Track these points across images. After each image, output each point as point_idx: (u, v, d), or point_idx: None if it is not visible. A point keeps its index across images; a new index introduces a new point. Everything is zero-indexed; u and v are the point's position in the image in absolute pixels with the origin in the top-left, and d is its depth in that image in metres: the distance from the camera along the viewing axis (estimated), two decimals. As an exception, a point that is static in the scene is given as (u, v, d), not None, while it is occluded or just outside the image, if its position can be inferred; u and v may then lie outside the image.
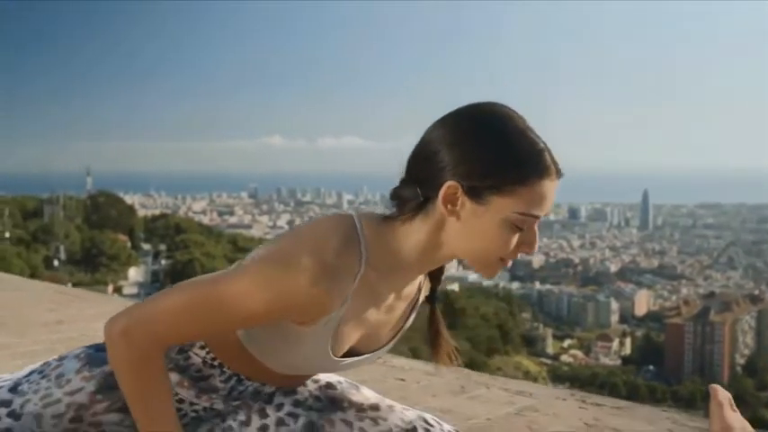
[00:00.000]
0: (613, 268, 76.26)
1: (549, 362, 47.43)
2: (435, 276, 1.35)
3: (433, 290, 1.36)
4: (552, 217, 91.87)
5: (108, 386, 1.33)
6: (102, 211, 53.77)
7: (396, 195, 1.24)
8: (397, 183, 1.23)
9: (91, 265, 47.70)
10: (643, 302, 67.50)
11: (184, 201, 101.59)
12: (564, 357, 52.65)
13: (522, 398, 2.32)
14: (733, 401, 1.28)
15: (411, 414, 1.41)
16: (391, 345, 1.38)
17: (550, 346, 54.52)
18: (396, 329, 1.37)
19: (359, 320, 1.28)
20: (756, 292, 65.43)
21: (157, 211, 71.42)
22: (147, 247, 54.66)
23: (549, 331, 56.86)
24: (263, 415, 1.40)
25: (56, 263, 46.03)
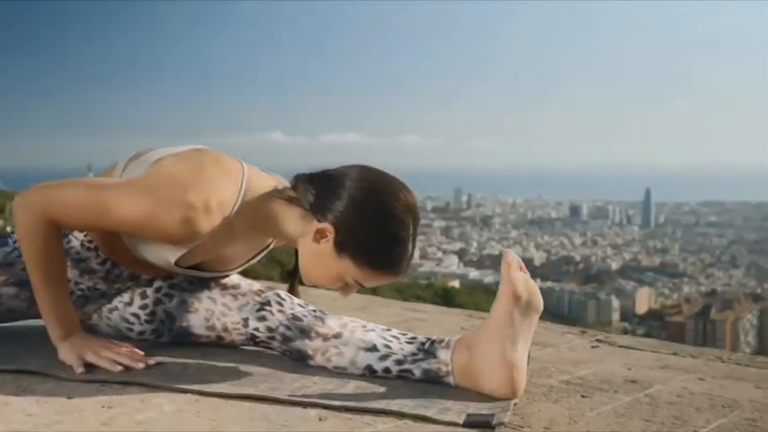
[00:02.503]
0: (615, 266, 76.08)
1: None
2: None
3: (295, 268, 1.62)
4: (554, 214, 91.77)
5: (7, 263, 1.62)
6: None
7: (296, 182, 1.51)
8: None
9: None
10: (644, 300, 67.35)
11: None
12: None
13: (413, 313, 2.43)
14: (522, 264, 1.44)
15: (266, 289, 1.67)
16: (235, 272, 1.71)
17: (551, 344, 54.32)
18: (244, 262, 1.70)
19: (211, 249, 1.57)
20: (759, 290, 65.19)
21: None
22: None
23: (550, 329, 56.68)
24: (144, 296, 1.69)
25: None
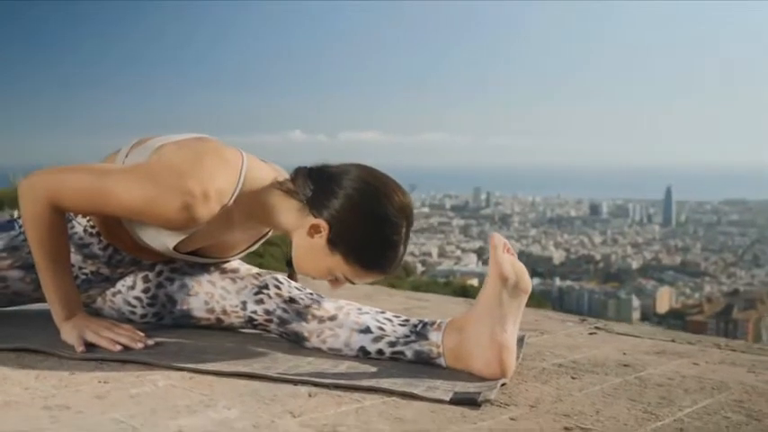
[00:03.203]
0: (635, 265, 75.48)
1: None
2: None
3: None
4: (573, 213, 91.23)
5: (12, 246, 1.67)
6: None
7: (296, 175, 1.55)
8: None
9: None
10: (665, 299, 66.75)
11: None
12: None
13: (417, 302, 2.45)
14: (509, 245, 1.48)
15: (264, 273, 1.70)
16: (234, 259, 1.75)
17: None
18: (242, 249, 1.75)
19: (209, 236, 1.61)
20: (781, 290, 64.36)
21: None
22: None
23: (570, 328, 56.32)
24: (146, 280, 1.73)
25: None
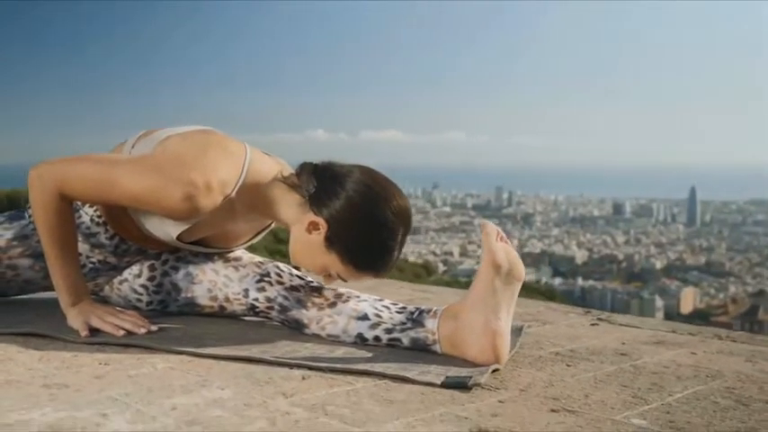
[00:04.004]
0: (659, 265, 74.76)
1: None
2: None
3: None
4: (596, 212, 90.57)
5: (22, 236, 1.73)
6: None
7: (301, 171, 1.59)
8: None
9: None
10: (689, 300, 66.04)
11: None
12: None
13: (422, 293, 2.49)
14: (502, 233, 1.50)
15: (266, 262, 1.75)
16: (237, 250, 1.79)
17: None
18: (245, 240, 1.80)
19: (212, 226, 1.65)
20: (808, 290, 63.44)
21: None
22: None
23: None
24: (152, 269, 1.77)
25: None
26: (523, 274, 1.48)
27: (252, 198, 1.61)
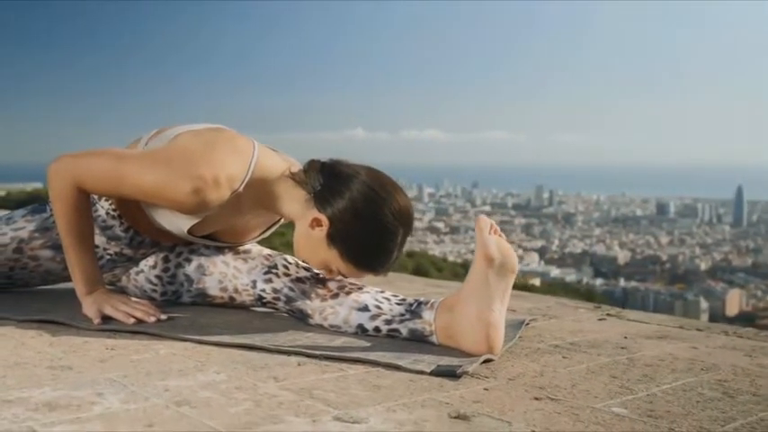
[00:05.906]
0: (703, 266, 73.38)
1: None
2: None
3: None
4: (639, 212, 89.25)
5: (44, 228, 1.81)
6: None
7: (309, 168, 1.65)
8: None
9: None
10: (735, 302, 64.65)
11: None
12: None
13: (434, 288, 2.52)
14: (496, 226, 1.53)
15: (274, 254, 1.80)
16: (249, 244, 1.85)
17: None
18: (255, 235, 1.86)
19: (221, 220, 1.72)
20: None
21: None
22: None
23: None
24: (167, 260, 1.85)
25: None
26: (517, 266, 1.51)
27: (259, 193, 1.66)
